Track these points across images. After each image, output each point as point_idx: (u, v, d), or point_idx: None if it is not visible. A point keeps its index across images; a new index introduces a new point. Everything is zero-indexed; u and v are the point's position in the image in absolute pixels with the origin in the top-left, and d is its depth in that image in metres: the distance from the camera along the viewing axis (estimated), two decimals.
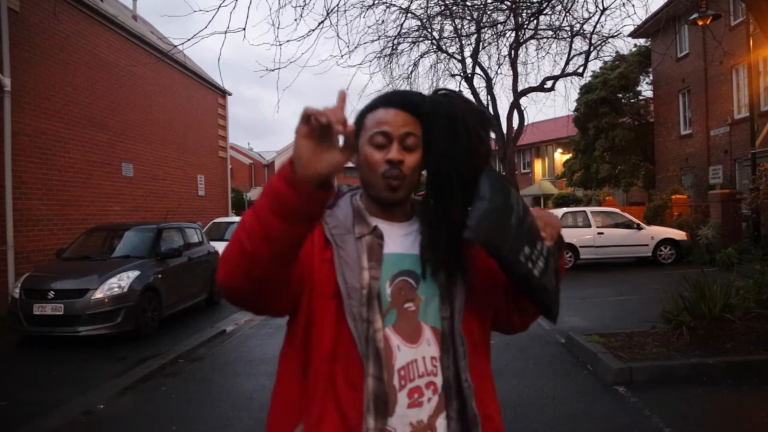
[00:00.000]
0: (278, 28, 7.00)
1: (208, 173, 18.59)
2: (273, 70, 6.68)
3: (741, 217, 14.30)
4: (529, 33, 13.59)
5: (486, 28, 13.00)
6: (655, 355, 5.41)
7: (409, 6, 10.86)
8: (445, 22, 12.81)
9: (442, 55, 14.16)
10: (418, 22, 12.38)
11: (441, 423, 1.23)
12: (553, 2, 11.25)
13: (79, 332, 6.97)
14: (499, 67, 15.94)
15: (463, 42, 13.88)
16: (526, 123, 15.56)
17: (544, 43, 13.96)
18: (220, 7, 5.61)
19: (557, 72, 14.80)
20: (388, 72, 12.35)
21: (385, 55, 12.29)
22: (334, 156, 1.01)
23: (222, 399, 5.12)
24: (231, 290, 1.13)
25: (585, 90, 22.84)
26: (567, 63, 14.37)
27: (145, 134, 14.50)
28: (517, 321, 1.43)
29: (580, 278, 12.37)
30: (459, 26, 13.03)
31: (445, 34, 13.55)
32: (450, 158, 1.24)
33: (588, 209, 15.38)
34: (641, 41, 22.23)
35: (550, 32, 13.60)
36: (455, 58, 14.54)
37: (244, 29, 5.84)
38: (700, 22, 11.58)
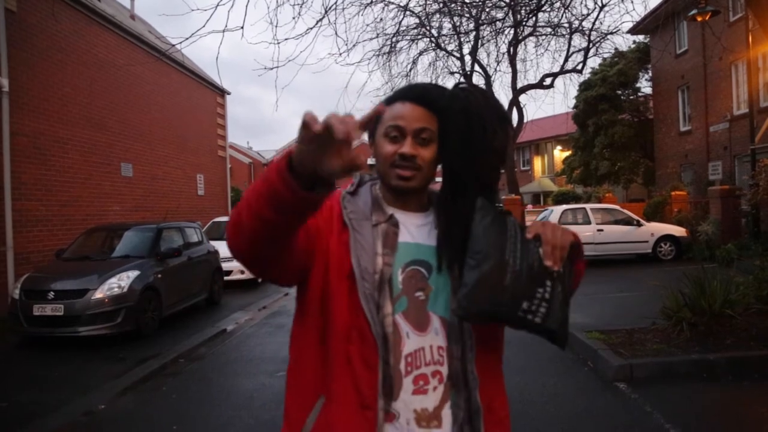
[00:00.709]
0: (276, 26, 7.00)
1: (208, 172, 18.58)
2: (271, 69, 6.66)
3: (741, 213, 14.30)
4: (527, 30, 13.59)
5: (485, 26, 13.00)
6: (655, 351, 5.41)
7: (407, 3, 10.85)
8: (443, 19, 12.82)
9: (441, 53, 14.17)
10: (417, 20, 12.39)
11: (446, 413, 1.25)
12: None
13: (79, 332, 6.96)
14: (498, 65, 16.01)
15: (462, 39, 13.89)
16: (525, 120, 15.59)
17: (543, 40, 13.99)
18: (218, 5, 5.60)
19: (556, 69, 14.83)
20: (386, 70, 12.39)
21: (384, 53, 12.30)
22: (335, 161, 0.95)
23: (222, 398, 5.12)
24: (234, 252, 1.16)
25: (584, 87, 22.83)
26: (566, 60, 14.38)
27: (144, 134, 14.49)
28: None
29: None
30: (458, 23, 13.04)
31: (444, 32, 13.57)
32: (463, 154, 1.26)
33: (588, 206, 15.38)
34: (640, 38, 22.23)
35: (549, 29, 13.62)
36: (454, 56, 14.55)
37: (242, 28, 5.83)
38: (699, 18, 11.58)
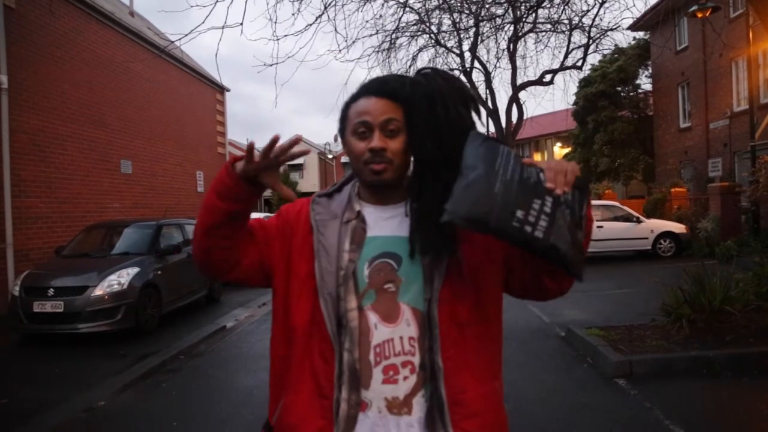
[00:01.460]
0: (276, 22, 6.98)
1: (207, 169, 18.57)
2: (271, 65, 6.64)
3: (740, 209, 14.29)
4: (527, 26, 13.55)
5: (484, 22, 12.96)
6: (655, 347, 5.41)
7: (407, 0, 10.82)
8: (443, 15, 12.78)
9: (441, 50, 14.12)
10: (417, 16, 12.35)
11: (418, 401, 1.26)
12: None
13: (79, 329, 6.97)
14: (497, 61, 15.95)
15: (462, 36, 13.85)
16: (525, 117, 15.55)
17: (543, 36, 13.93)
18: (217, 2, 5.59)
19: (556, 65, 14.79)
20: (386, 67, 12.31)
21: (384, 50, 12.25)
22: (266, 179, 1.30)
23: (222, 395, 5.13)
24: (197, 255, 1.38)
25: (584, 83, 22.80)
26: (566, 56, 14.33)
27: (144, 131, 14.47)
28: (552, 285, 1.31)
29: None
30: (457, 20, 13.00)
31: (444, 28, 13.52)
32: (431, 138, 1.25)
33: None
34: (640, 34, 22.18)
35: (549, 25, 13.57)
36: (454, 53, 14.51)
37: (242, 24, 5.82)
38: (700, 15, 11.55)
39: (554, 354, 5.87)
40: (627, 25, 19.25)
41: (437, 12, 12.36)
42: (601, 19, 16.50)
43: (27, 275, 7.57)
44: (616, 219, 14.30)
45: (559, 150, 33.01)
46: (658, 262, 12.84)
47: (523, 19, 13.01)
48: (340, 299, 1.26)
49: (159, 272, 8.07)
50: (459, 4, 12.19)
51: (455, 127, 1.25)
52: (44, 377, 5.87)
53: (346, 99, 1.37)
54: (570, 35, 13.63)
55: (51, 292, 7.06)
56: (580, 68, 15.13)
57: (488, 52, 22.51)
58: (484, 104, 15.19)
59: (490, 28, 13.41)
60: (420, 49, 13.81)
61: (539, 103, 54.77)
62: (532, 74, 19.56)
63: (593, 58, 21.75)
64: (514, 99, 15.11)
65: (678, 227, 14.30)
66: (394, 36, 12.14)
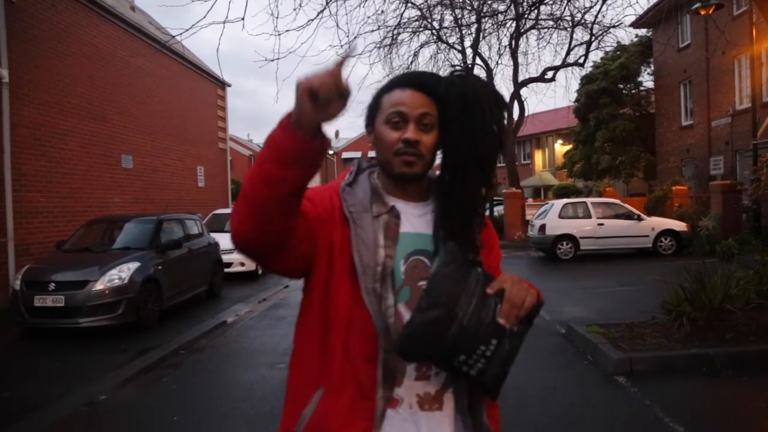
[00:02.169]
0: (277, 17, 6.96)
1: (208, 164, 18.57)
2: (272, 60, 6.64)
3: (742, 208, 14.28)
4: (529, 23, 13.53)
5: (486, 18, 12.95)
6: (655, 345, 5.41)
7: None
8: (445, 12, 12.77)
9: (443, 46, 14.11)
10: (418, 12, 12.34)
11: (449, 397, 1.28)
12: None
13: (80, 324, 6.98)
14: (499, 58, 15.98)
15: (464, 32, 13.84)
16: (526, 114, 15.55)
17: (545, 33, 13.95)
18: None
19: (558, 62, 14.77)
20: (387, 62, 12.31)
21: (385, 46, 12.26)
22: (329, 110, 1.05)
23: (223, 389, 5.14)
24: (239, 241, 1.15)
25: (586, 80, 22.76)
26: (568, 53, 14.32)
27: (145, 126, 14.46)
28: None
29: (580, 269, 12.39)
30: (459, 16, 12.98)
31: (446, 24, 13.50)
32: (464, 138, 1.27)
33: (588, 200, 15.36)
34: (642, 31, 22.14)
35: (551, 22, 13.55)
36: (455, 49, 14.50)
37: (243, 19, 5.80)
38: (703, 12, 11.50)
39: (554, 351, 5.87)
40: (629, 22, 19.25)
41: (439, 8, 12.37)
42: (603, 16, 16.52)
43: (28, 269, 7.57)
44: (617, 217, 14.29)
45: (561, 147, 32.97)
46: (658, 260, 12.83)
47: (525, 16, 12.99)
48: (379, 296, 1.23)
49: (160, 267, 8.07)
50: (461, 1, 12.17)
51: (487, 130, 1.27)
52: (45, 371, 5.88)
53: (378, 88, 1.36)
54: (572, 32, 13.63)
55: (52, 286, 7.06)
56: (582, 65, 15.13)
57: (490, 48, 22.53)
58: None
59: (492, 25, 13.41)
60: (422, 45, 13.83)
61: (541, 100, 54.81)
62: (533, 71, 19.56)
63: (595, 55, 21.80)
64: (516, 95, 15.09)
65: (679, 225, 14.29)
66: (396, 32, 12.14)
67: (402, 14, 11.52)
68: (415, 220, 1.33)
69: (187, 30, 5.60)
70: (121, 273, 7.32)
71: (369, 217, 1.28)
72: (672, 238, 14.06)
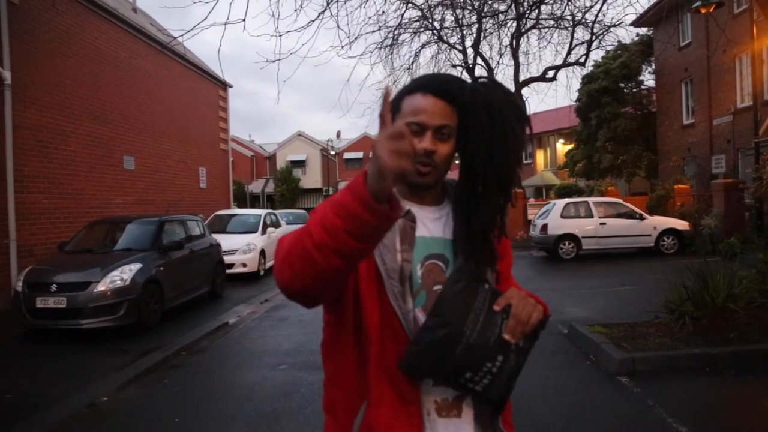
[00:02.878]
0: (278, 18, 6.95)
1: (210, 165, 18.58)
2: (273, 62, 6.63)
3: (744, 206, 14.25)
4: (530, 22, 13.49)
5: (487, 18, 12.92)
6: (658, 345, 5.40)
7: None
8: (446, 12, 12.74)
9: (444, 46, 14.06)
10: (419, 13, 12.31)
11: (468, 403, 1.27)
12: None
13: (82, 325, 6.98)
14: (500, 57, 15.88)
15: (464, 32, 13.80)
16: (527, 113, 15.49)
17: (546, 32, 13.87)
18: None
19: (559, 62, 14.70)
20: (388, 63, 12.28)
21: (386, 46, 12.21)
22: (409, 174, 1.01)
23: (224, 391, 5.14)
24: (297, 292, 1.12)
25: (587, 80, 22.71)
26: (569, 53, 14.27)
27: (147, 127, 14.48)
28: None
29: (582, 268, 12.37)
30: (460, 16, 12.96)
31: (446, 24, 13.47)
32: (484, 150, 1.26)
33: (590, 199, 15.35)
34: (643, 30, 22.08)
35: (552, 21, 13.51)
36: (456, 49, 14.45)
37: (244, 20, 5.80)
38: (704, 10, 11.48)
39: (557, 351, 5.86)
40: (630, 21, 19.14)
41: (440, 8, 12.33)
42: (604, 15, 16.48)
43: (30, 271, 7.58)
44: (619, 216, 14.27)
45: (562, 146, 32.93)
46: (661, 259, 12.81)
47: (526, 15, 12.96)
48: (404, 300, 1.22)
49: (161, 268, 8.07)
50: (461, 1, 12.15)
51: (509, 141, 1.26)
52: (47, 373, 5.88)
53: (400, 89, 1.33)
54: (573, 31, 13.57)
55: (54, 287, 7.06)
56: (583, 64, 15.07)
57: (491, 48, 22.41)
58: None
59: (493, 25, 13.37)
60: (423, 46, 13.76)
61: (542, 100, 54.83)
62: (534, 70, 19.54)
63: (596, 55, 21.68)
64: (517, 95, 15.07)
65: (681, 224, 14.27)
66: (396, 32, 12.10)
67: (403, 15, 11.48)
68: (430, 224, 1.32)
69: (189, 31, 5.60)
70: (123, 274, 7.33)
71: None
72: (674, 237, 14.04)
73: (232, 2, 5.59)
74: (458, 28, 13.48)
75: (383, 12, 17.23)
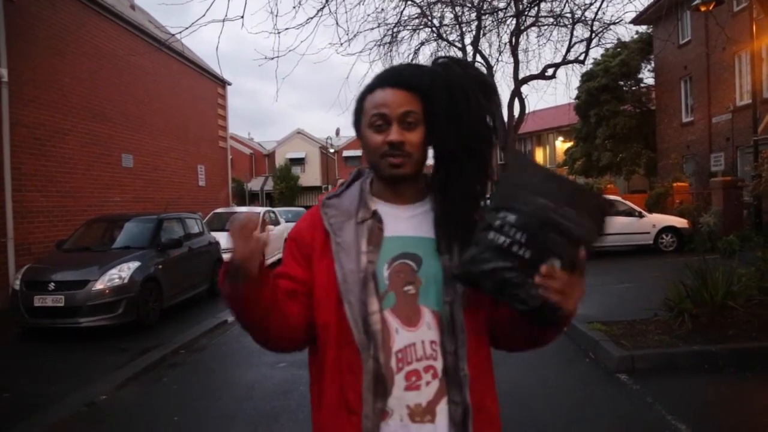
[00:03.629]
0: (277, 16, 6.94)
1: (209, 163, 18.54)
2: (272, 59, 6.61)
3: (743, 204, 14.26)
4: (530, 20, 13.48)
5: (486, 15, 12.90)
6: (657, 342, 5.40)
7: None
8: (445, 9, 12.73)
9: (443, 43, 14.05)
10: (418, 10, 12.30)
11: (442, 409, 1.20)
12: None
13: (80, 324, 6.96)
14: (499, 55, 15.84)
15: (464, 29, 13.78)
16: (527, 111, 15.50)
17: (545, 30, 13.87)
18: None
19: (558, 59, 14.71)
20: (388, 60, 12.26)
21: (385, 43, 12.20)
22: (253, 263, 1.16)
23: (223, 389, 5.13)
24: (274, 352, 1.39)
25: (586, 77, 22.70)
26: (568, 50, 14.27)
27: (145, 125, 14.44)
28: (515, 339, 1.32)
29: None
30: (459, 13, 12.94)
31: (446, 22, 13.46)
32: (453, 130, 1.23)
33: None
34: (643, 28, 22.07)
35: (551, 19, 13.51)
36: (455, 46, 14.43)
37: (242, 17, 5.77)
38: (703, 8, 11.44)
39: (556, 349, 5.85)
40: (630, 18, 19.17)
41: (439, 5, 12.31)
42: (603, 13, 16.48)
43: (28, 269, 7.56)
44: (618, 213, 14.24)
45: (561, 144, 32.94)
46: (660, 257, 12.81)
47: (526, 13, 12.95)
48: (362, 303, 1.20)
49: (160, 266, 8.06)
50: None
51: (476, 116, 1.23)
52: (45, 371, 5.87)
53: (360, 90, 1.32)
54: (572, 29, 13.58)
55: (52, 286, 7.05)
56: (582, 62, 15.08)
57: (490, 45, 22.40)
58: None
59: (492, 22, 13.35)
60: (422, 43, 13.76)
61: (541, 97, 54.76)
62: (534, 68, 19.52)
63: (596, 52, 21.70)
64: (516, 93, 15.05)
65: (680, 222, 14.27)
66: (395, 30, 12.09)
67: (402, 12, 11.47)
68: (403, 222, 1.28)
69: (187, 28, 5.58)
70: (122, 272, 7.31)
71: (352, 223, 1.26)
72: (673, 234, 14.04)
73: None
74: (457, 26, 13.47)
75: (382, 9, 17.23)
